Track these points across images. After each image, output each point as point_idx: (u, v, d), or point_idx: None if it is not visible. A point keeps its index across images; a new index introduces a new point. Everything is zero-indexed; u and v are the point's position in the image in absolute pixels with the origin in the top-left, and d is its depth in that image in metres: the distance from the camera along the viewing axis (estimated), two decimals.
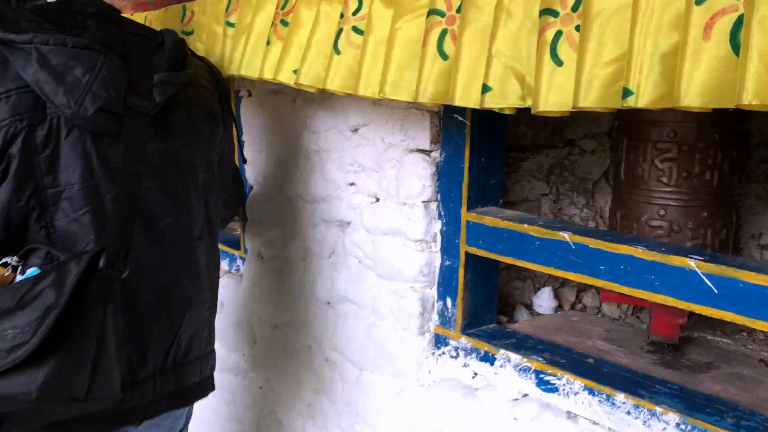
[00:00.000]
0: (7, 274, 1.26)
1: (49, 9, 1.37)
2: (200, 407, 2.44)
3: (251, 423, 2.23)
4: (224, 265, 2.35)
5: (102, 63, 1.28)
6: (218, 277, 1.64)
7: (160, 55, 1.40)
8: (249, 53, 1.51)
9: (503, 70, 1.07)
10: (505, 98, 1.08)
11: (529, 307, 1.82)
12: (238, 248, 2.27)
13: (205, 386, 1.59)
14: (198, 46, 1.77)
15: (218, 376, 2.30)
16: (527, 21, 1.05)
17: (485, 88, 1.08)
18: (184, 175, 1.47)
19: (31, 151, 1.28)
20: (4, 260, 1.28)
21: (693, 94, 0.84)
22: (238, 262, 2.26)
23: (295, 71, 1.36)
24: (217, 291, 1.63)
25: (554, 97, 1.00)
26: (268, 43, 1.45)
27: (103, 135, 1.32)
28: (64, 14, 1.36)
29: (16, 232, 1.30)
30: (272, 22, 1.45)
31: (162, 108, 1.37)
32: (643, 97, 0.90)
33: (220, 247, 2.33)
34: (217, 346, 2.30)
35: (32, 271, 1.25)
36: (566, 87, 0.98)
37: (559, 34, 1.00)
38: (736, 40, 0.83)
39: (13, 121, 1.26)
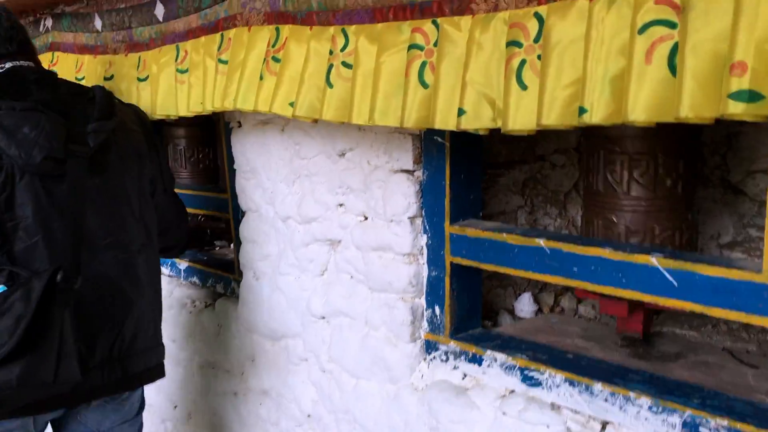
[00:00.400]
0: None
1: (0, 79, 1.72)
2: (201, 428, 2.53)
3: None
4: (220, 288, 2.45)
5: (45, 120, 1.61)
6: (160, 283, 1.95)
7: (92, 108, 1.73)
8: (243, 88, 1.63)
9: (476, 95, 1.21)
10: (478, 120, 1.22)
11: (511, 312, 1.94)
12: (232, 271, 2.38)
13: (152, 374, 1.89)
14: (192, 80, 1.90)
15: (221, 399, 2.40)
16: (495, 52, 1.19)
17: (461, 112, 1.22)
18: (119, 203, 1.78)
19: None
20: None
21: (638, 111, 0.98)
22: (233, 284, 2.37)
23: (291, 103, 1.50)
24: (160, 295, 1.95)
25: (521, 117, 1.14)
26: (261, 78, 1.58)
27: (49, 177, 1.64)
28: (12, 82, 1.70)
29: None
30: (264, 59, 1.59)
31: (96, 151, 1.69)
32: (597, 115, 1.04)
33: (216, 271, 2.46)
34: (215, 368, 2.40)
35: (0, 288, 1.55)
36: (531, 108, 1.12)
37: (523, 62, 1.15)
38: (673, 64, 0.97)
39: None
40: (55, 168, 1.63)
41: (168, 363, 2.60)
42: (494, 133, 1.26)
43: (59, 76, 1.86)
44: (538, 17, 1.13)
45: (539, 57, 1.12)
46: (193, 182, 2.73)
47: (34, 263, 1.61)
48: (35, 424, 1.72)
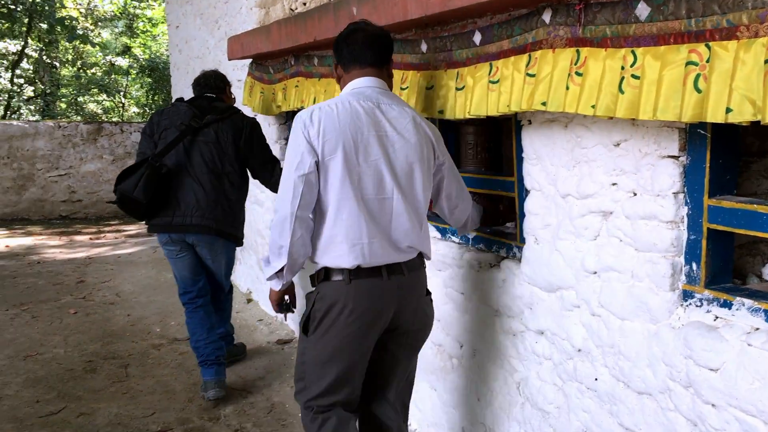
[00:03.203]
0: None
1: (193, 98, 4.52)
2: (485, 362, 3.16)
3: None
4: (503, 252, 3.10)
5: (189, 111, 4.31)
6: (230, 195, 4.32)
7: (215, 111, 4.30)
8: (552, 95, 2.24)
9: (740, 98, 1.69)
10: (742, 116, 1.69)
11: (758, 276, 2.33)
12: (513, 239, 3.01)
13: (204, 229, 4.23)
14: (501, 89, 2.55)
15: (502, 338, 3.01)
16: (756, 66, 1.66)
17: (728, 110, 1.71)
18: (207, 150, 4.22)
19: (159, 132, 4.33)
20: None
21: None
22: (514, 249, 3.00)
23: (592, 106, 2.07)
24: (228, 202, 4.31)
25: None
26: (567, 88, 2.18)
27: (182, 132, 4.21)
28: (195, 98, 4.47)
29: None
30: (568, 74, 2.18)
31: (203, 125, 4.23)
32: None
33: (499, 239, 3.10)
34: (498, 315, 3.01)
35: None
36: None
37: None
38: None
39: (158, 125, 4.34)
40: (185, 129, 4.18)
41: (456, 310, 3.32)
42: (748, 128, 1.71)
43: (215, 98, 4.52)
44: None
45: None
46: (477, 168, 3.41)
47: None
48: (178, 242, 4.30)
